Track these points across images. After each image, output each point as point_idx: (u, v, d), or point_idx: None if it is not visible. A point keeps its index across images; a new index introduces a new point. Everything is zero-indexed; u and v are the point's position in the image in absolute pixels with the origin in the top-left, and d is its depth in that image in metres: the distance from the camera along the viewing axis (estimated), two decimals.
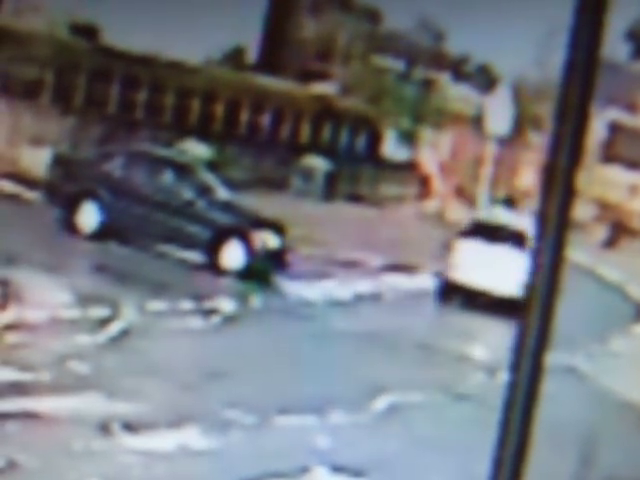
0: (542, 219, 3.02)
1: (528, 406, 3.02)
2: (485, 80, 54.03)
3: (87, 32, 34.00)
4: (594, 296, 26.60)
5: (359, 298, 18.85)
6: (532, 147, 50.20)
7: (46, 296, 13.19)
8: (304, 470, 8.83)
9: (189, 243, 18.11)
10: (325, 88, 45.33)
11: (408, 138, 48.78)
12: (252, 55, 53.00)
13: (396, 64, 52.58)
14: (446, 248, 20.45)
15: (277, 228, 18.45)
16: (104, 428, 8.81)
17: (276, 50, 50.20)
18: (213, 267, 17.82)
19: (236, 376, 11.54)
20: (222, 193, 18.84)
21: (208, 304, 14.95)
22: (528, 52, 51.48)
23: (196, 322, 13.88)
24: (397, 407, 11.65)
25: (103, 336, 11.86)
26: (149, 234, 18.27)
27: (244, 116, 38.62)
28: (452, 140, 50.49)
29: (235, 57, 51.88)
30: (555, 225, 3.00)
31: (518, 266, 17.57)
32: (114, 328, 12.27)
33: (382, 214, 38.56)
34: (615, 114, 54.06)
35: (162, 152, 20.44)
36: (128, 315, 13.09)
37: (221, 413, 9.91)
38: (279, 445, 9.49)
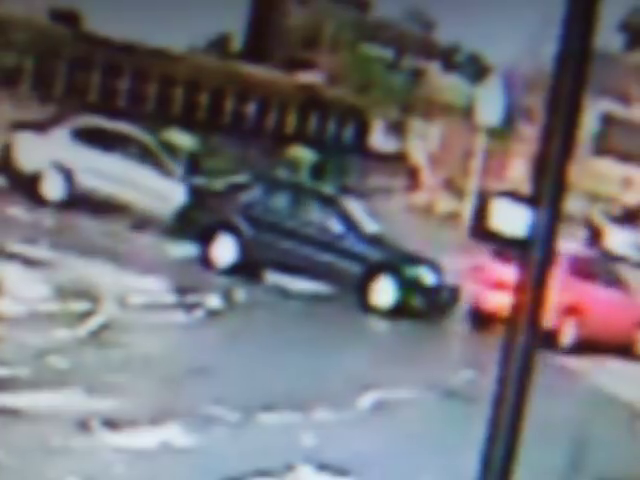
0: (534, 212, 3.03)
1: (518, 402, 3.03)
2: (475, 70, 54.07)
3: (68, 19, 33.89)
4: None
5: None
6: (524, 138, 50.28)
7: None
8: (289, 468, 8.85)
9: (338, 279, 17.40)
10: (312, 77, 45.29)
11: (397, 129, 48.81)
12: (237, 43, 52.91)
13: (385, 53, 52.58)
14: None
15: (431, 265, 17.74)
16: (84, 425, 8.81)
17: (262, 38, 50.11)
18: (362, 305, 17.15)
19: (220, 372, 11.54)
20: (369, 226, 18.23)
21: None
22: (520, 42, 51.48)
23: (181, 316, 13.87)
24: (384, 404, 11.67)
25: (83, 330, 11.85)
26: (293, 269, 17.68)
27: (229, 105, 38.56)
28: (442, 131, 50.52)
29: (220, 45, 51.78)
30: (546, 218, 3.02)
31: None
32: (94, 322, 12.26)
33: (370, 206, 38.51)
34: (608, 105, 54.17)
35: (306, 183, 19.81)
36: (108, 309, 13.08)
37: (204, 410, 9.91)
38: (263, 443, 9.50)
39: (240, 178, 19.20)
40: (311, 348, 13.91)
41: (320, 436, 9.83)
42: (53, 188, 20.30)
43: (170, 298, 14.66)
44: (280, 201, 18.13)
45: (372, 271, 17.13)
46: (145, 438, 8.82)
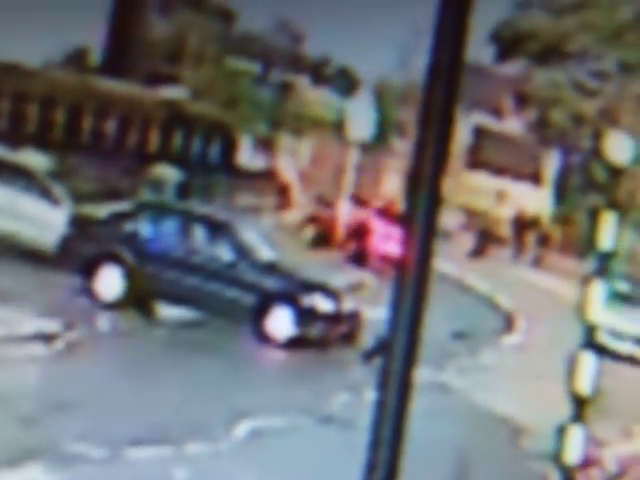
0: (408, 228, 3.08)
1: (398, 425, 3.06)
2: (346, 84, 54.70)
3: None
4: (462, 307, 27.18)
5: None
6: (396, 153, 51.03)
7: None
8: None
9: (230, 310, 17.17)
10: (175, 92, 45.09)
11: (265, 145, 48.95)
12: (96, 57, 52.33)
13: (252, 67, 52.74)
14: None
15: (328, 292, 17.49)
16: None
17: (122, 52, 49.68)
18: (258, 336, 16.92)
19: (83, 406, 11.35)
20: (264, 253, 17.86)
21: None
22: (391, 54, 52.24)
23: (40, 348, 13.59)
24: (259, 433, 11.65)
25: None
26: (180, 300, 17.36)
27: (87, 123, 38.06)
28: (312, 147, 50.90)
29: (77, 59, 51.14)
30: (421, 234, 3.06)
31: None
32: None
33: None
34: (480, 118, 55.46)
35: (196, 209, 19.15)
36: None
37: (67, 447, 9.73)
38: (132, 479, 9.37)
39: (124, 206, 18.91)
40: (180, 377, 13.80)
41: (193, 470, 9.74)
42: None
43: (28, 329, 14.35)
44: (167, 229, 17.90)
45: (267, 301, 17.01)
46: None
